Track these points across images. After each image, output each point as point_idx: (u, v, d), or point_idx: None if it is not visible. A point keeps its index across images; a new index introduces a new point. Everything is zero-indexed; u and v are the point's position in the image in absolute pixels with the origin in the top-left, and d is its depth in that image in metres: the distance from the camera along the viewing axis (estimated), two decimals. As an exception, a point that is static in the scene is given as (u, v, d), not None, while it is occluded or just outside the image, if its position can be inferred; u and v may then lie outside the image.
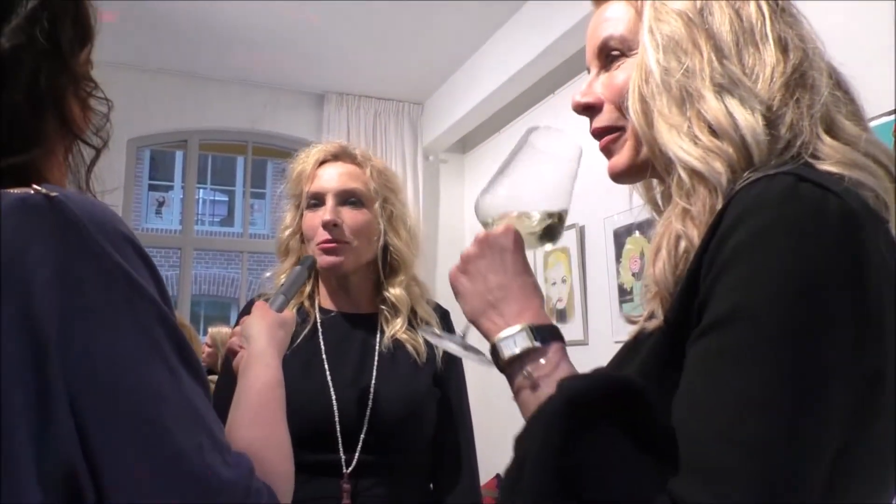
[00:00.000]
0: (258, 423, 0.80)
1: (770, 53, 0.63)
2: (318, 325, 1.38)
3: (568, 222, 3.17)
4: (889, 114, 1.72)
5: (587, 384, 0.52)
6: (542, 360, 0.64)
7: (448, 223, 4.39)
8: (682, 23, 0.66)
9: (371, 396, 1.30)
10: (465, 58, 3.79)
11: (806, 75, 0.63)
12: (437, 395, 1.37)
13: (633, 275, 2.82)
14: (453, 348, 0.79)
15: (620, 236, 2.90)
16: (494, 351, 0.68)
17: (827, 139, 0.61)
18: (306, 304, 1.42)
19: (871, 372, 0.51)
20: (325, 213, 1.34)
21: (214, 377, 3.58)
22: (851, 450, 0.52)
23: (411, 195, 4.17)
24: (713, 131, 0.62)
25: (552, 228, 0.76)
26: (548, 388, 0.62)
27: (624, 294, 2.88)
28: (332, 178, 1.37)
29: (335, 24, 3.42)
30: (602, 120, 0.74)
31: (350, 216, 1.35)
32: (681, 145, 0.63)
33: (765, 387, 0.49)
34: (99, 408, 0.54)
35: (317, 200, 1.37)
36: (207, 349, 3.88)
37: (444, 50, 3.70)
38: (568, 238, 3.21)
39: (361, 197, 1.37)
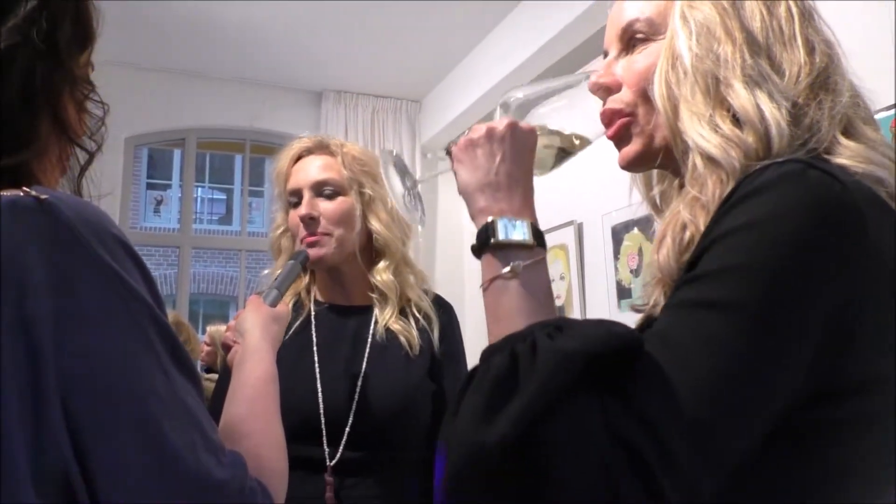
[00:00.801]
0: (253, 419, 0.80)
1: (798, 54, 0.64)
2: (312, 317, 1.38)
3: (566, 219, 3.14)
4: (889, 108, 1.72)
5: (605, 339, 0.50)
6: (532, 261, 0.64)
7: (446, 221, 4.38)
8: (715, 12, 0.66)
9: (358, 389, 1.28)
10: (463, 55, 3.78)
11: (830, 79, 0.64)
12: (430, 388, 1.35)
13: (632, 271, 2.82)
14: (396, 188, 0.78)
15: (618, 233, 2.90)
16: (485, 229, 0.65)
17: (843, 139, 0.61)
18: (303, 296, 1.42)
19: (829, 349, 0.53)
20: (302, 208, 1.34)
21: (212, 375, 3.58)
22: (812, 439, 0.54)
23: (409, 193, 4.16)
24: (735, 121, 0.62)
25: (567, 153, 0.78)
26: (534, 292, 0.62)
27: (622, 291, 2.88)
28: (307, 172, 1.38)
29: (332, 22, 3.41)
30: (616, 101, 0.73)
31: (326, 207, 1.35)
32: (701, 132, 0.63)
33: (730, 341, 0.51)
34: (92, 409, 0.54)
35: (296, 197, 1.38)
36: (206, 348, 3.88)
37: (442, 47, 3.69)
38: (566, 235, 3.21)
39: (336, 186, 1.36)
